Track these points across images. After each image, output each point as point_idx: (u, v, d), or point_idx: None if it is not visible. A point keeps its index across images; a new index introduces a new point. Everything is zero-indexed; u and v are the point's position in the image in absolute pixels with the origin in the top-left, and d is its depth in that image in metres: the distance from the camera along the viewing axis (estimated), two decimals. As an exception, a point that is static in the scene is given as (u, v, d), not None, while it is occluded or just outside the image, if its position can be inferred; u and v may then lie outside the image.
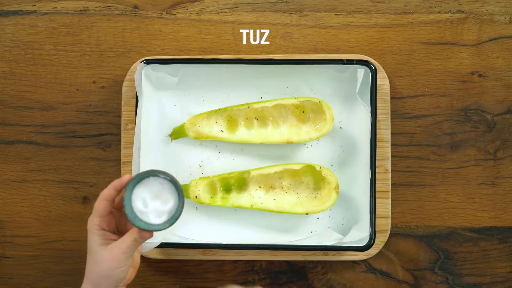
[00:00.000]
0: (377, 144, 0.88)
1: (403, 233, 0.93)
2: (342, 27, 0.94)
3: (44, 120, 0.94)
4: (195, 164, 0.92)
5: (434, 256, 0.93)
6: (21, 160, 0.94)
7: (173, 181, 0.73)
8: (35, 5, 0.94)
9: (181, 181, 0.91)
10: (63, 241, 0.94)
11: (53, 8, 0.94)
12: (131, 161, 0.89)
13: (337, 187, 0.88)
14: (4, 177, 0.94)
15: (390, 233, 0.92)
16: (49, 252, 0.94)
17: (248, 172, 0.90)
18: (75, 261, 0.93)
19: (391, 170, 0.92)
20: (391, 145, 0.92)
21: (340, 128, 0.92)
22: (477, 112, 0.94)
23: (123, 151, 0.92)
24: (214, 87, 0.92)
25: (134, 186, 0.73)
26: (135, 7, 0.94)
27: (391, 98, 0.92)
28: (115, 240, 0.74)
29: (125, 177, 0.75)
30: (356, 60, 0.88)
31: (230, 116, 0.91)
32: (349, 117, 0.91)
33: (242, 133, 0.91)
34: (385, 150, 0.91)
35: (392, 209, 0.92)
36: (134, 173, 0.86)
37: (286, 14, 0.94)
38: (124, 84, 0.92)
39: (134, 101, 0.90)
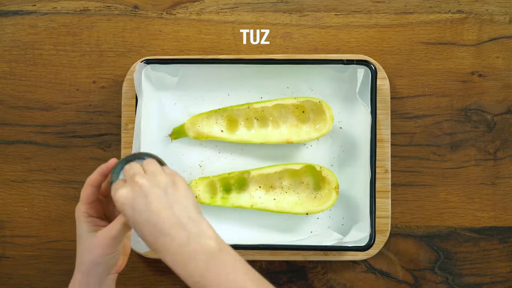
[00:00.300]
0: (377, 144, 0.88)
1: (403, 233, 0.93)
2: (342, 27, 0.94)
3: (44, 120, 0.94)
4: (195, 164, 0.92)
5: (434, 256, 0.93)
6: (21, 160, 0.94)
7: (159, 162, 0.73)
8: (35, 5, 0.94)
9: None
10: (63, 241, 0.94)
11: (53, 8, 0.94)
12: (131, 161, 0.89)
13: (337, 187, 0.88)
14: (4, 177, 0.94)
15: (390, 233, 0.92)
16: (49, 252, 0.94)
17: (248, 172, 0.90)
18: (75, 261, 0.93)
19: (391, 170, 0.92)
20: (391, 145, 0.92)
21: (340, 128, 0.92)
22: (477, 112, 0.94)
23: (123, 151, 0.92)
24: (214, 87, 0.92)
25: (120, 170, 0.73)
26: (135, 7, 0.94)
27: (391, 98, 0.92)
28: (104, 226, 0.73)
29: (111, 161, 0.74)
30: (356, 60, 0.88)
31: (230, 116, 0.91)
32: (349, 117, 0.91)
33: (242, 133, 0.91)
34: (385, 150, 0.91)
35: (392, 209, 0.92)
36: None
37: (286, 14, 0.94)
38: (124, 84, 0.92)
39: (134, 101, 0.90)
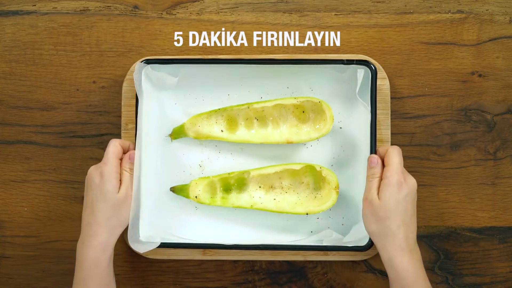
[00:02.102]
0: (377, 144, 0.88)
1: (403, 233, 0.93)
2: (342, 27, 0.94)
3: (44, 120, 0.94)
4: (195, 164, 0.92)
5: (434, 256, 0.93)
6: (21, 160, 0.94)
7: None
8: (35, 5, 0.94)
9: (181, 181, 0.91)
10: (63, 241, 0.94)
11: (53, 8, 0.94)
12: (131, 161, 0.89)
13: (337, 187, 0.88)
14: (4, 177, 0.94)
15: (390, 233, 0.92)
16: (49, 252, 0.94)
17: (248, 172, 0.90)
18: (75, 261, 0.93)
19: (391, 170, 0.92)
20: (391, 145, 0.91)
21: (340, 128, 0.92)
22: (477, 112, 0.94)
23: (123, 151, 0.92)
24: (214, 87, 0.92)
25: None
26: (135, 7, 0.94)
27: (391, 98, 0.92)
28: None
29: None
30: (356, 60, 0.88)
31: (230, 116, 0.91)
32: (349, 117, 0.91)
33: (242, 133, 0.91)
34: (385, 150, 0.91)
35: (392, 209, 0.92)
36: (135, 173, 0.86)
37: (286, 14, 0.94)
38: (124, 84, 0.92)
39: (134, 101, 0.90)
